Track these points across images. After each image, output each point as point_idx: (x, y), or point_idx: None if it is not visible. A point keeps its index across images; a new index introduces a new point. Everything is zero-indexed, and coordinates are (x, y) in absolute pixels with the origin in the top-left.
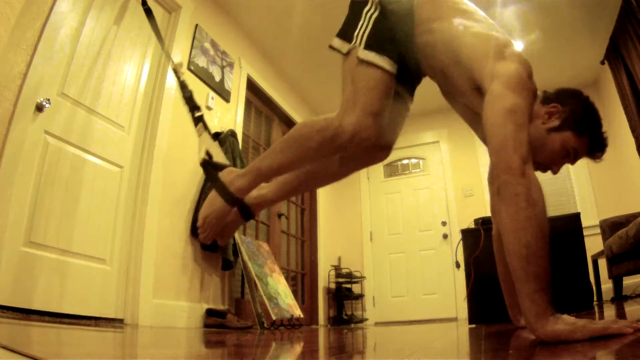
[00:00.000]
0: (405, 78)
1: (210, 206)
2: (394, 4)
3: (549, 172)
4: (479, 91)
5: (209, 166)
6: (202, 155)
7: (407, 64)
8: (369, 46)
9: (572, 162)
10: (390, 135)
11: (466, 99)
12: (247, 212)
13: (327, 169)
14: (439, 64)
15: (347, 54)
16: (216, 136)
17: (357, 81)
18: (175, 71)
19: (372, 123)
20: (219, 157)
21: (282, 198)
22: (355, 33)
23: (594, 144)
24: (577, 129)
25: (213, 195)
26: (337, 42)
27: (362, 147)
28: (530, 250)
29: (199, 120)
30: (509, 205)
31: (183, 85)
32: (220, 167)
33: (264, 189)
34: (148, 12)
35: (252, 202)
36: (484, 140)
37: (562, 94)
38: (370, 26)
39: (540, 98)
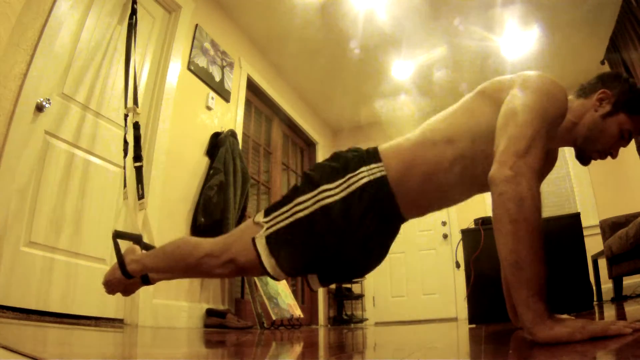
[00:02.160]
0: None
1: (113, 273)
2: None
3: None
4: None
5: (117, 238)
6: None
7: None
8: (273, 251)
9: (626, 144)
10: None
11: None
12: (146, 280)
13: (198, 275)
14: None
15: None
16: (216, 136)
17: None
18: (126, 116)
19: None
20: (134, 226)
21: (172, 278)
22: (277, 212)
23: None
24: (630, 110)
25: (115, 266)
26: (260, 216)
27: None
28: (519, 256)
29: (138, 172)
30: (495, 206)
31: (136, 127)
32: (133, 237)
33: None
34: (130, 26)
35: (151, 276)
36: None
37: (605, 79)
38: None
39: (576, 92)
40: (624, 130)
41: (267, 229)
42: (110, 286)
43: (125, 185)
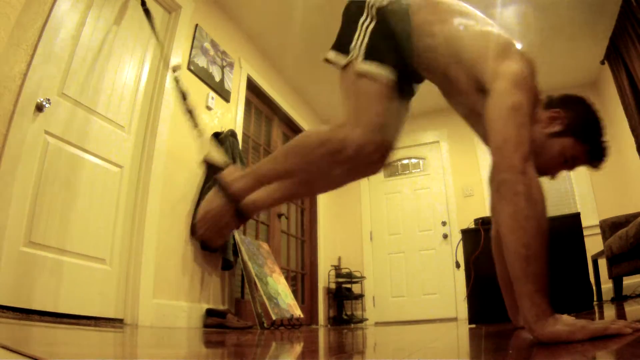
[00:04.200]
0: (405, 82)
1: (210, 203)
2: (389, 12)
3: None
4: (482, 91)
5: (211, 164)
6: (207, 153)
7: (405, 69)
8: (368, 57)
9: (570, 168)
10: (392, 140)
11: (468, 99)
12: (241, 215)
13: (324, 178)
14: (440, 66)
15: (345, 67)
16: (216, 136)
17: (359, 95)
18: (176, 79)
19: (377, 136)
20: (221, 155)
21: (277, 203)
22: (352, 45)
23: (593, 153)
24: (578, 136)
25: (213, 193)
26: (333, 55)
27: (367, 160)
28: (530, 250)
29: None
30: (509, 204)
31: (182, 89)
32: (223, 165)
33: (261, 193)
34: (147, 12)
35: (248, 206)
36: (485, 140)
37: (566, 100)
38: (367, 37)
39: (544, 102)
40: (567, 154)
41: (359, 54)
42: (207, 221)
43: (196, 126)
